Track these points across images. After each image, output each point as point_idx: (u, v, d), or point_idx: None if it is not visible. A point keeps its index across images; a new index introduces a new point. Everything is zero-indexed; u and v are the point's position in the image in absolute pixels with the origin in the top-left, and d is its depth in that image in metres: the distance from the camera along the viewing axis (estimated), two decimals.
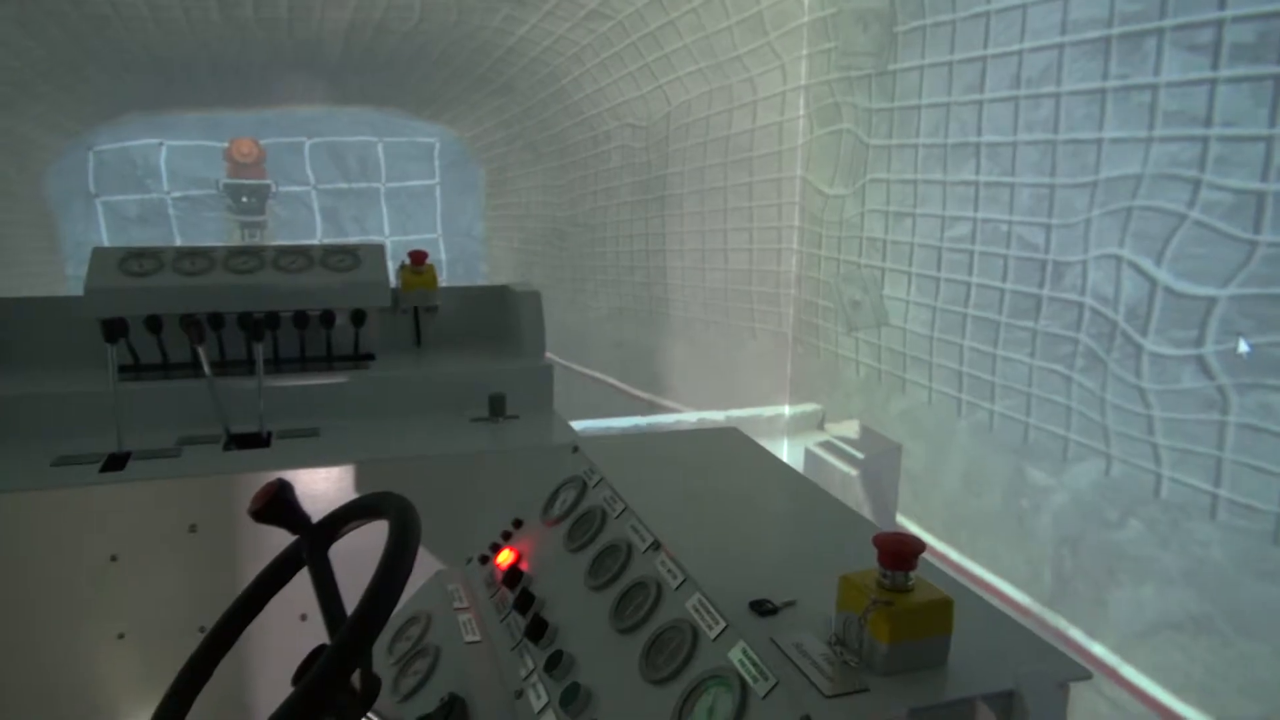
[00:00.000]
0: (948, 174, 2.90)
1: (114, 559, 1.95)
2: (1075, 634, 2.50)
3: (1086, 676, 0.95)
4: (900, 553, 0.93)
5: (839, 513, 1.42)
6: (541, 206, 3.95)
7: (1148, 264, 2.24)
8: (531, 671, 1.26)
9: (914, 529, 3.02)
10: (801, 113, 3.64)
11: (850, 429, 3.58)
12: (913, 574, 0.95)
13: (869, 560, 0.99)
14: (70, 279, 3.16)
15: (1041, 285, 2.55)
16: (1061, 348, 2.49)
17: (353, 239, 3.41)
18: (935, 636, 0.94)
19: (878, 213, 3.25)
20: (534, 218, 3.94)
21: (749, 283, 3.87)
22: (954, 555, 2.87)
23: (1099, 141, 2.36)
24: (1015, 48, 2.58)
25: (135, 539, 1.96)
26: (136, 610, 1.99)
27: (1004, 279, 2.68)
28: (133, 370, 2.34)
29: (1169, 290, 2.19)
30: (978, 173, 2.78)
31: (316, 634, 1.09)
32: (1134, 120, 2.26)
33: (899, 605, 0.92)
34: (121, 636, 1.99)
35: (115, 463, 2.03)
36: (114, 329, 2.09)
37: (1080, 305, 2.42)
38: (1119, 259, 2.31)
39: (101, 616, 1.97)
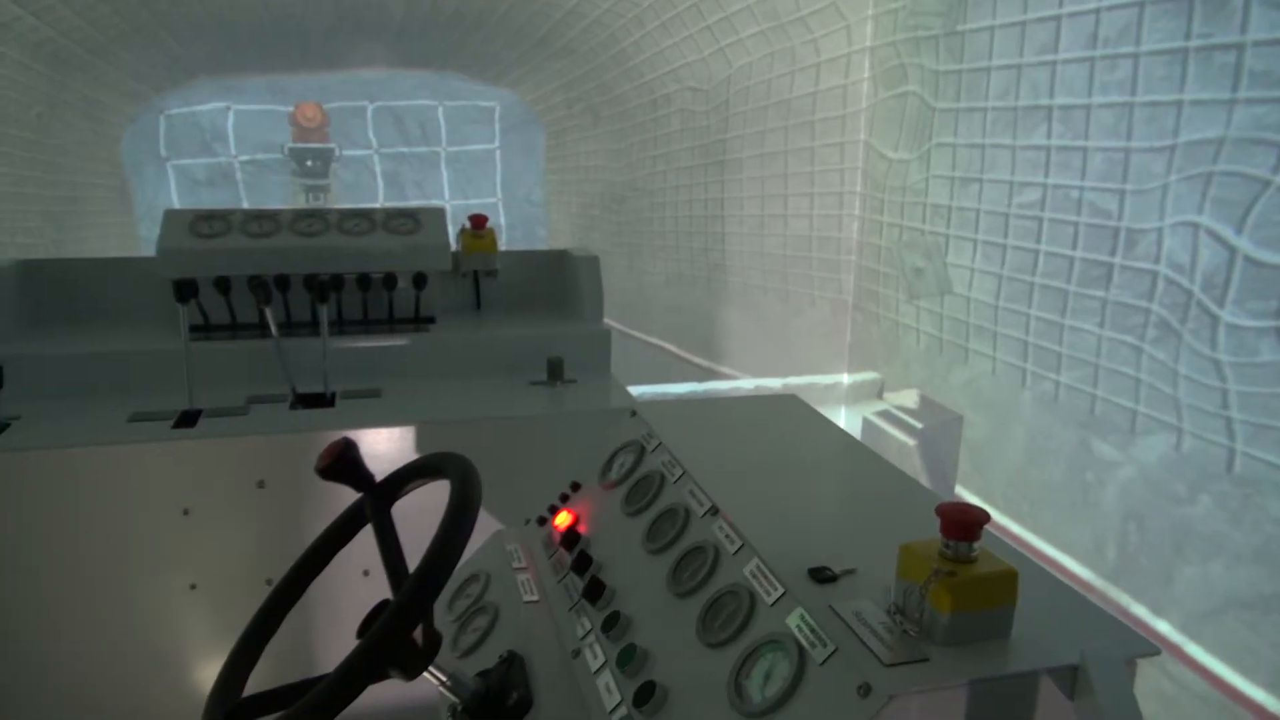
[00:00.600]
0: (1017, 138, 2.82)
1: (186, 513, 2.02)
2: (1139, 610, 2.45)
3: (1155, 652, 0.93)
4: (964, 523, 0.92)
5: (899, 482, 1.41)
6: (600, 171, 3.94)
7: (1227, 231, 2.16)
8: (589, 631, 1.28)
9: (973, 501, 2.98)
10: (866, 75, 3.57)
11: (909, 398, 3.53)
12: (976, 544, 0.93)
13: (929, 530, 0.98)
14: (143, 240, 3.24)
15: (1113, 253, 2.47)
16: (1133, 318, 2.42)
17: (414, 203, 3.44)
18: (998, 608, 0.92)
19: (943, 178, 3.17)
20: (593, 182, 3.93)
21: (809, 249, 3.82)
22: (1014, 528, 2.83)
23: (1179, 104, 2.27)
24: (1092, 6, 2.49)
25: (206, 494, 2.03)
26: (207, 562, 2.06)
27: (1074, 246, 2.60)
28: (203, 330, 2.40)
29: (1249, 259, 2.11)
30: (1049, 137, 2.69)
31: (378, 589, 1.11)
32: (1217, 81, 2.17)
33: (962, 576, 0.91)
34: (194, 587, 2.06)
35: (187, 420, 2.09)
36: (185, 289, 2.14)
37: (1154, 274, 2.35)
38: (1197, 226, 2.22)
39: (175, 568, 2.04)
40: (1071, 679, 0.89)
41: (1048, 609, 1.00)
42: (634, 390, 2.44)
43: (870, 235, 3.67)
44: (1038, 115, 2.72)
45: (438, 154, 3.51)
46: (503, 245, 2.73)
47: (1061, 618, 1.00)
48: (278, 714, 0.99)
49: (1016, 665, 0.90)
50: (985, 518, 0.93)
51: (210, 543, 2.04)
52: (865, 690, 0.86)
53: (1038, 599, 0.99)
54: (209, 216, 2.50)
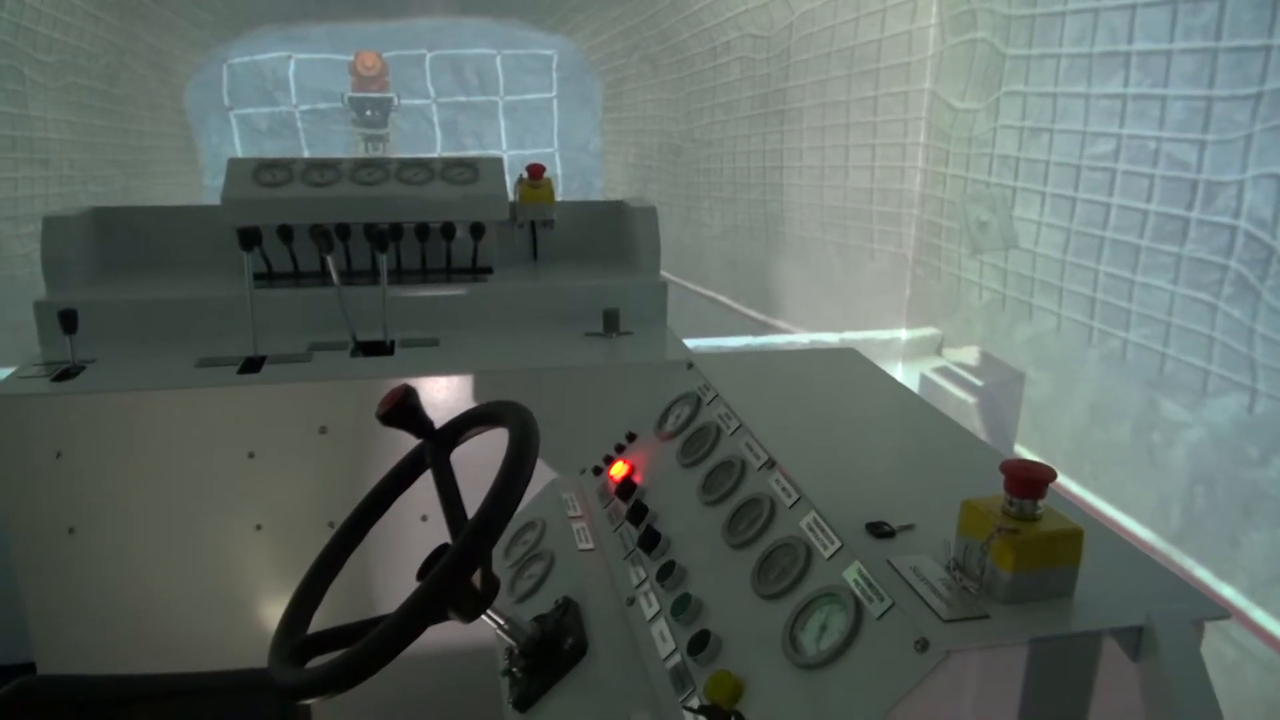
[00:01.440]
0: (1092, 86, 2.71)
1: (251, 456, 2.07)
2: (1203, 574, 2.40)
3: (1224, 616, 0.91)
4: (1030, 480, 0.90)
5: (959, 438, 1.38)
6: (658, 121, 3.89)
7: None
8: (643, 581, 1.29)
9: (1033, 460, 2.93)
10: (933, 21, 3.45)
11: (970, 355, 3.47)
12: (1041, 503, 0.92)
13: (991, 487, 0.97)
14: (207, 189, 3.29)
15: (1190, 207, 2.38)
16: (1208, 274, 2.33)
17: (471, 152, 3.44)
18: (1062, 567, 0.91)
19: (1011, 128, 3.07)
20: (650, 132, 3.89)
21: (869, 201, 3.74)
22: (1074, 488, 2.78)
23: (1266, 49, 2.15)
24: None
25: (271, 438, 2.07)
26: (272, 504, 2.11)
27: (1148, 200, 2.51)
28: (266, 278, 2.44)
29: None
30: (1126, 85, 2.58)
31: (436, 534, 1.13)
32: None
33: (1025, 534, 0.89)
34: (259, 528, 2.12)
35: (252, 365, 2.14)
36: (249, 237, 2.17)
37: (1233, 229, 2.26)
38: None
39: (241, 509, 2.10)
40: (1136, 640, 0.88)
41: (1113, 569, 0.98)
42: (688, 343, 2.43)
43: (933, 188, 3.58)
44: (1114, 62, 2.62)
45: (495, 103, 3.49)
46: (559, 196, 2.72)
47: (1127, 578, 0.98)
48: (342, 650, 1.01)
49: (1080, 625, 0.88)
50: (1051, 475, 0.91)
51: (275, 485, 2.10)
52: (923, 645, 0.85)
53: (1102, 559, 0.97)
54: (271, 165, 2.53)
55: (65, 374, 2.06)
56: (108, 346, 2.21)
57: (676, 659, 1.12)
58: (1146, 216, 2.52)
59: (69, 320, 2.06)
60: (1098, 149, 2.70)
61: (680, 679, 1.09)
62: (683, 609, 1.16)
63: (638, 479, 1.51)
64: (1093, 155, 2.72)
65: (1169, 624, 0.86)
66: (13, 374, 2.08)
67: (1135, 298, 2.57)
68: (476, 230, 2.54)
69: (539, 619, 1.32)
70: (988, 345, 3.36)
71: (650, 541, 1.32)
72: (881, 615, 0.92)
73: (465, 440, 1.28)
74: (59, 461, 1.98)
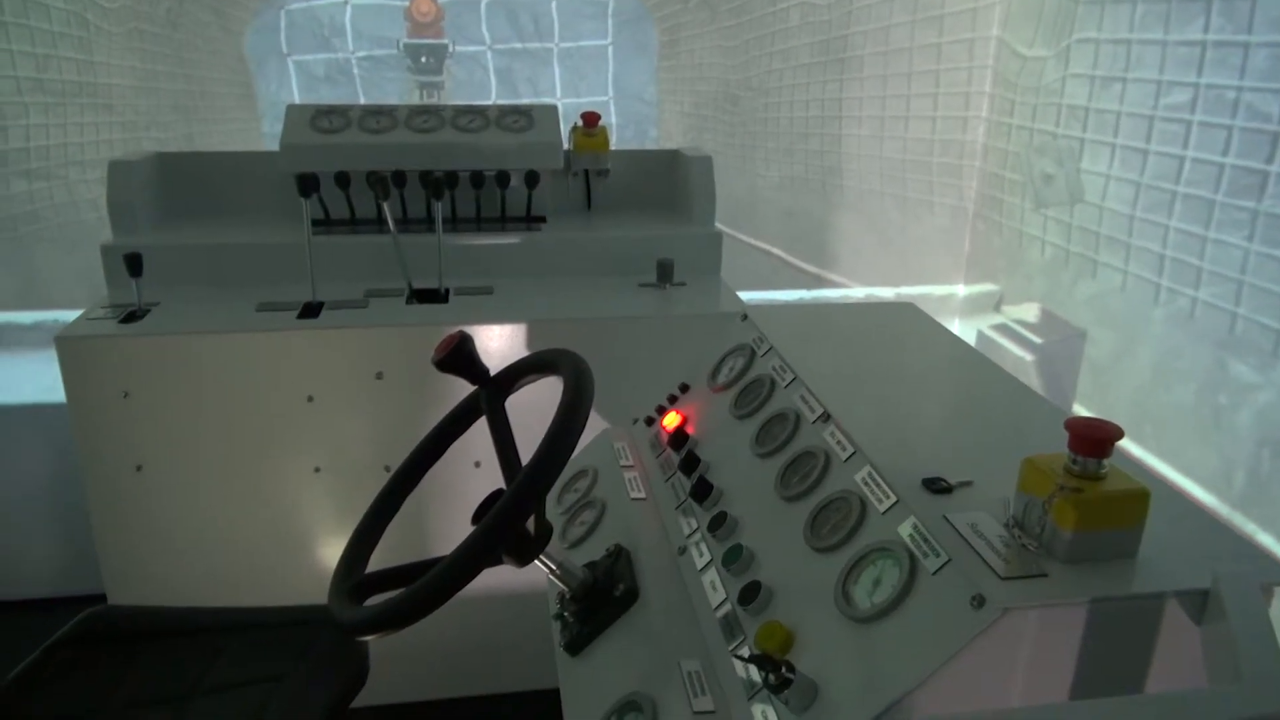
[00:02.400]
0: (1169, 32, 2.60)
1: (310, 399, 2.11)
2: (1266, 539, 2.34)
3: None
4: (1095, 438, 0.88)
5: (1020, 395, 1.36)
6: (715, 69, 3.82)
7: None
8: (695, 530, 1.29)
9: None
10: None
11: (1029, 312, 3.39)
12: (1106, 461, 0.89)
13: (1051, 445, 0.95)
14: (266, 135, 3.32)
15: (1270, 160, 2.28)
16: None
17: (526, 100, 3.42)
18: (1125, 528, 0.89)
19: (1082, 77, 2.96)
20: (706, 80, 3.82)
21: (930, 153, 3.65)
22: (1135, 450, 2.72)
23: None
24: None
25: (328, 382, 2.11)
26: (330, 447, 2.16)
27: (1225, 153, 2.41)
28: (323, 224, 2.47)
29: None
30: (1206, 31, 2.47)
31: (488, 480, 1.14)
32: None
33: (1088, 493, 0.87)
34: (317, 470, 2.16)
35: (310, 311, 2.17)
36: (307, 184, 2.19)
37: None
38: None
39: (300, 451, 2.15)
40: (1201, 603, 0.86)
41: (1177, 530, 0.96)
42: (741, 296, 2.40)
43: (997, 139, 3.47)
44: (1194, 7, 2.50)
45: (550, 50, 3.46)
46: (614, 145, 2.69)
47: (1192, 540, 0.96)
48: (399, 590, 1.03)
49: (1142, 586, 0.86)
50: (1118, 434, 0.89)
51: (332, 429, 2.14)
52: (979, 601, 0.84)
53: (1167, 520, 0.95)
54: (329, 112, 2.53)
55: (131, 316, 2.11)
56: (171, 289, 2.26)
57: (727, 608, 1.12)
58: (1222, 170, 2.42)
59: (134, 263, 2.10)
60: (1173, 99, 2.59)
61: (730, 628, 1.10)
62: (734, 559, 1.16)
63: (690, 430, 1.51)
64: (1167, 105, 2.61)
65: (1236, 587, 0.84)
66: (82, 316, 2.14)
67: (1207, 255, 2.49)
68: (531, 179, 2.53)
69: (590, 565, 1.34)
70: (1048, 302, 3.28)
71: (702, 492, 1.32)
72: (937, 571, 0.91)
73: (520, 388, 1.29)
74: (126, 401, 2.04)
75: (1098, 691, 0.89)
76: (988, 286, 3.64)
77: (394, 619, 1.01)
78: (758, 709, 0.97)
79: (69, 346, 2.00)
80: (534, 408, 1.37)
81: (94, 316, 2.12)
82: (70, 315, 2.16)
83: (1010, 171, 3.40)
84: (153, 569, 2.18)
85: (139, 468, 2.09)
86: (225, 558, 2.19)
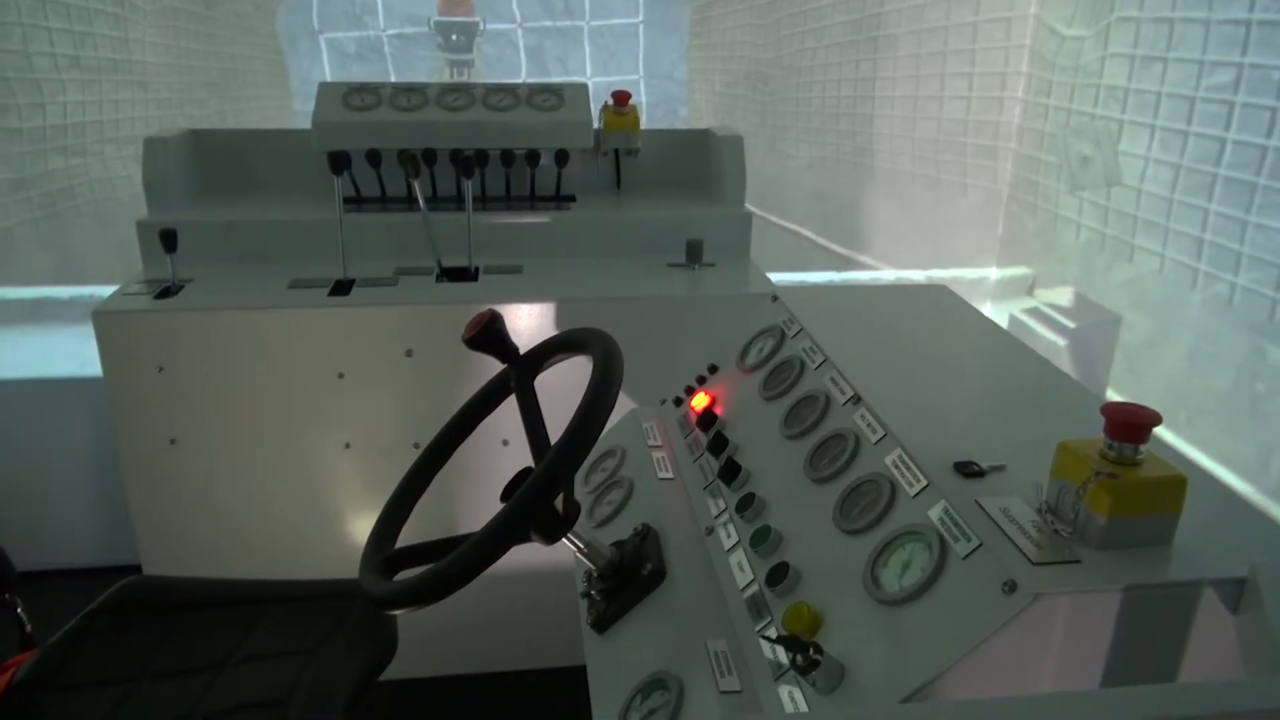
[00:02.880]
0: (1212, 10, 2.54)
1: (341, 376, 2.13)
2: None
3: None
4: (1132, 424, 0.87)
5: (1054, 379, 1.34)
6: (746, 47, 3.79)
7: None
8: (722, 512, 1.29)
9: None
10: None
11: (1063, 296, 3.34)
12: (1143, 447, 0.88)
13: (1086, 430, 0.93)
14: (298, 113, 3.33)
15: None
16: None
17: (556, 79, 3.41)
18: (1162, 515, 0.88)
19: (1122, 57, 2.91)
20: (738, 59, 3.79)
21: (964, 134, 3.60)
22: (1169, 437, 2.68)
23: None
24: None
25: (359, 359, 2.13)
26: (360, 424, 2.17)
27: (1269, 135, 2.35)
28: (354, 202, 2.48)
29: None
30: (1251, 9, 2.41)
31: (516, 459, 1.15)
32: None
33: (1124, 479, 0.86)
34: (348, 446, 2.19)
35: (341, 288, 2.18)
36: (339, 162, 2.20)
37: None
38: None
39: (330, 427, 2.17)
40: (1237, 592, 0.85)
41: (1215, 518, 0.95)
42: (770, 277, 2.39)
43: (1033, 120, 3.42)
44: None
45: (580, 28, 3.44)
46: (644, 124, 2.68)
47: (1229, 528, 0.94)
48: (428, 565, 1.04)
49: (1177, 574, 0.85)
50: (1156, 419, 0.88)
51: (362, 405, 2.16)
52: (1010, 587, 0.83)
53: (1204, 508, 0.94)
54: (360, 89, 2.54)
55: (166, 292, 2.14)
56: (205, 265, 2.28)
57: (754, 589, 1.12)
58: (1266, 153, 2.37)
59: (169, 239, 2.13)
60: (1215, 79, 2.54)
61: (757, 609, 1.10)
62: (762, 540, 1.16)
63: (719, 411, 1.50)
64: (1210, 86, 2.56)
65: (1273, 575, 0.82)
66: (118, 291, 2.17)
67: (1248, 239, 2.44)
68: (561, 158, 2.53)
69: (618, 544, 1.34)
70: (1083, 286, 3.24)
71: (731, 473, 1.32)
72: (968, 555, 0.90)
73: (549, 366, 1.29)
74: (161, 375, 2.06)
75: (1130, 680, 0.88)
76: (1021, 270, 3.60)
77: (423, 594, 1.02)
78: (784, 690, 0.97)
79: (106, 321, 2.03)
80: (562, 387, 1.37)
81: (130, 292, 2.15)
82: (106, 290, 2.18)
83: (1046, 153, 3.35)
84: (186, 541, 2.21)
85: (173, 441, 2.12)
86: (257, 531, 2.22)
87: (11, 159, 2.81)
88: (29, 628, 1.67)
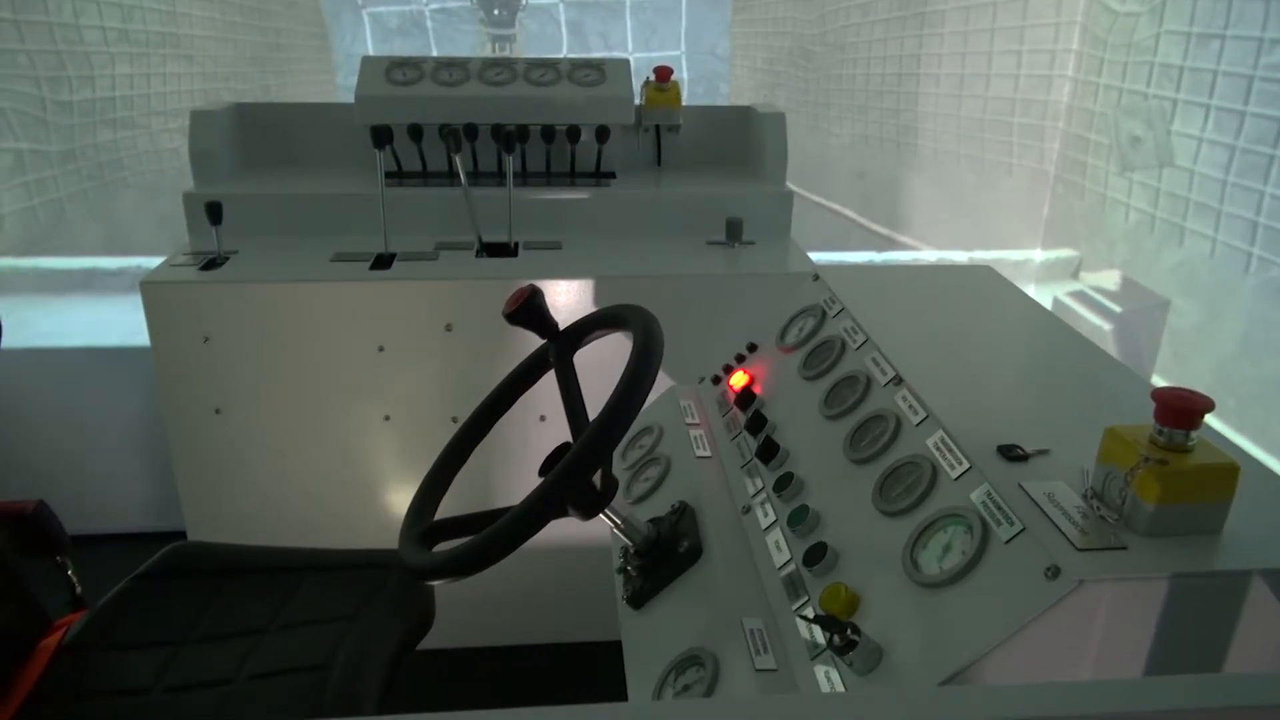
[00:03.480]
0: None
1: (381, 349, 2.14)
2: None
3: None
4: (1184, 409, 0.85)
5: (1101, 363, 1.32)
6: (789, 23, 3.74)
7: None
8: (760, 490, 1.29)
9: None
10: None
11: (1109, 279, 3.28)
12: (1194, 434, 0.86)
13: (1135, 416, 0.92)
14: (340, 88, 3.35)
15: None
16: None
17: (597, 54, 3.39)
18: (1212, 503, 0.86)
19: (1178, 34, 2.83)
20: (781, 35, 3.74)
21: (1011, 113, 3.53)
22: (1216, 424, 2.63)
23: None
24: None
25: (399, 333, 2.14)
26: (399, 397, 2.20)
27: None
28: (396, 176, 2.49)
29: None
30: None
31: (553, 434, 1.15)
32: None
33: (1174, 465, 0.84)
34: (387, 419, 2.21)
35: (382, 262, 2.20)
36: (382, 136, 2.21)
37: None
38: None
39: (371, 399, 2.19)
40: None
41: (1265, 508, 0.93)
42: (810, 256, 2.37)
43: (1083, 99, 3.35)
44: None
45: (622, 3, 3.41)
46: (685, 100, 2.66)
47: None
48: (467, 538, 1.05)
49: (1226, 563, 0.84)
50: (1209, 405, 0.86)
51: (402, 379, 2.18)
52: (1054, 572, 0.82)
53: (1255, 496, 0.92)
54: (403, 64, 2.55)
55: (211, 263, 2.17)
56: (250, 238, 2.30)
57: (791, 568, 1.12)
58: None
59: (215, 212, 2.15)
60: (1275, 58, 2.46)
61: (794, 588, 1.10)
62: (800, 520, 1.15)
63: (757, 390, 1.50)
64: (1269, 65, 2.48)
65: None
66: (165, 262, 2.20)
67: None
68: (601, 133, 2.52)
69: (655, 521, 1.34)
70: (1130, 270, 3.17)
71: (769, 452, 1.31)
72: (1010, 539, 0.89)
73: (588, 343, 1.29)
74: (206, 346, 2.10)
75: (1174, 669, 0.87)
76: (1066, 252, 3.53)
77: (461, 566, 1.03)
78: (820, 670, 0.97)
79: (153, 292, 2.06)
80: (600, 364, 1.37)
81: (176, 263, 2.18)
82: (153, 261, 2.22)
83: (1095, 133, 3.28)
84: (230, 509, 2.25)
85: (218, 411, 2.16)
86: (298, 500, 2.26)
87: (63, 131, 2.86)
88: (79, 590, 1.72)
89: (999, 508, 0.93)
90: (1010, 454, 1.01)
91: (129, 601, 1.66)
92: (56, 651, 1.56)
